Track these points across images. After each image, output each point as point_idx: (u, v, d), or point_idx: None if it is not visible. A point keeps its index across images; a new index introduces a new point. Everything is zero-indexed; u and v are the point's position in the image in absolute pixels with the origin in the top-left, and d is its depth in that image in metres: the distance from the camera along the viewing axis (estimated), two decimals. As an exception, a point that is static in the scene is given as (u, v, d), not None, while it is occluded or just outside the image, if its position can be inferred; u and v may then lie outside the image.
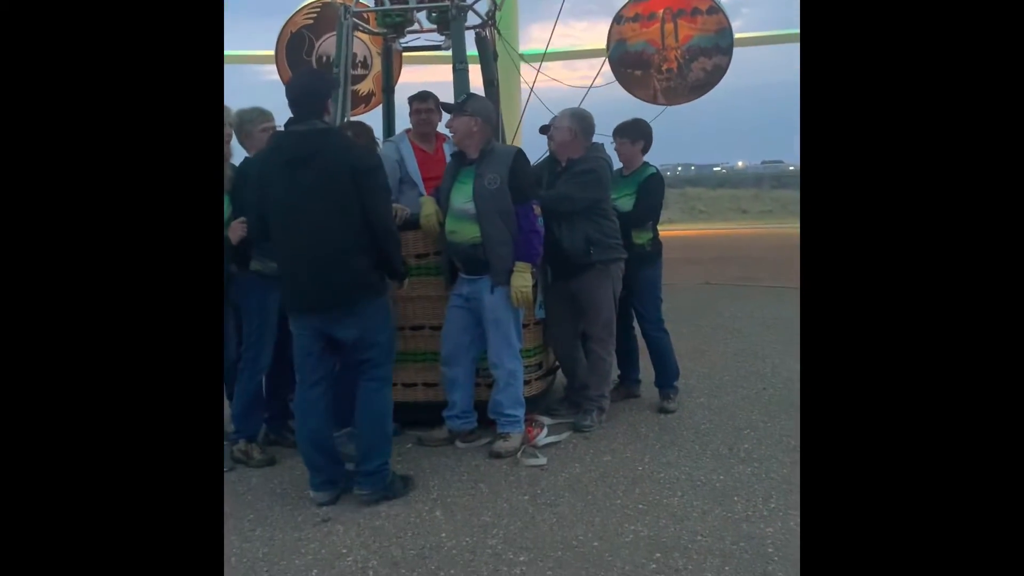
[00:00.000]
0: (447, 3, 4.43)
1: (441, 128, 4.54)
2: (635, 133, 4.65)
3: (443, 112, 4.23)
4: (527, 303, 3.89)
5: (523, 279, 3.84)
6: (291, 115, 3.34)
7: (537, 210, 3.89)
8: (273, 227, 3.38)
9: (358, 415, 3.47)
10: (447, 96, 4.42)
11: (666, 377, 4.70)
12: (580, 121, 4.32)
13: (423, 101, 4.49)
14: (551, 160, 4.43)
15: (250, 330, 3.91)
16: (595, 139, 4.43)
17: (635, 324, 4.79)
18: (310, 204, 3.25)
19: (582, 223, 4.18)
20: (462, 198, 3.79)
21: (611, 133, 4.65)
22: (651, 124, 4.79)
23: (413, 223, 4.07)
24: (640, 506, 3.34)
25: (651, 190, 4.59)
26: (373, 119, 5.91)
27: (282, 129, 3.46)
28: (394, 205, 4.18)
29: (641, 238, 4.56)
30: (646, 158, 4.73)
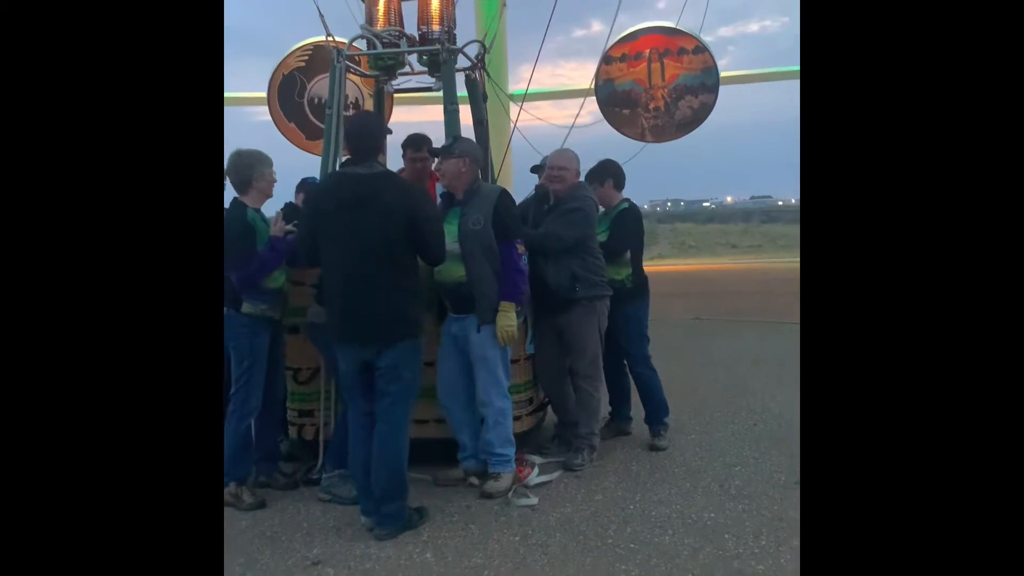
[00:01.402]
0: (438, 47, 4.51)
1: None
2: (600, 175, 4.76)
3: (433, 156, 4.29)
4: (512, 341, 3.91)
5: (507, 318, 3.86)
6: (349, 156, 3.65)
7: (521, 248, 3.93)
8: (326, 260, 3.56)
9: (375, 457, 3.49)
10: (438, 134, 4.49)
11: (655, 414, 4.71)
12: (577, 161, 4.45)
13: (417, 150, 4.55)
14: (538, 198, 4.49)
15: (240, 372, 3.90)
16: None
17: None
18: (367, 242, 3.40)
19: (568, 259, 4.22)
20: (448, 238, 3.83)
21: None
22: (634, 160, 4.90)
23: None
24: (632, 545, 3.32)
25: (622, 222, 4.66)
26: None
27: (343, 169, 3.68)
28: None
29: (619, 274, 4.59)
30: (627, 194, 4.82)
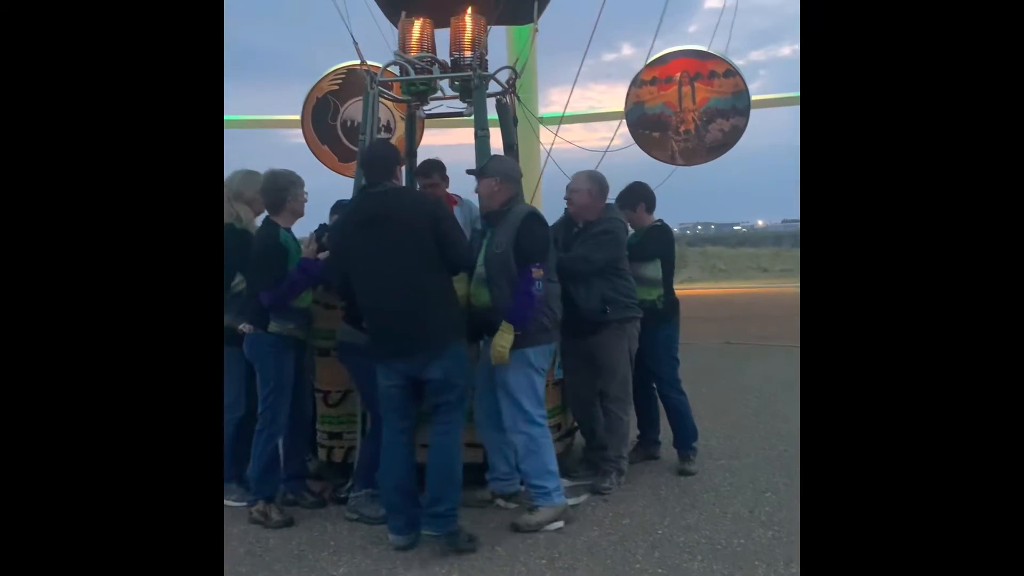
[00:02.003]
0: (470, 73, 4.56)
1: (455, 189, 4.79)
2: (632, 199, 4.77)
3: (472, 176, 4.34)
4: (501, 361, 3.73)
5: (503, 338, 3.69)
6: (365, 181, 3.77)
7: (536, 273, 3.72)
8: (358, 282, 3.64)
9: (429, 460, 3.57)
10: (467, 157, 4.53)
11: (684, 439, 4.67)
12: (596, 183, 4.41)
13: (427, 176, 4.69)
14: (567, 221, 4.49)
15: (266, 392, 3.93)
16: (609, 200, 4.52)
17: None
18: (395, 256, 3.50)
19: (598, 282, 4.22)
20: (479, 261, 3.82)
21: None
22: (665, 183, 4.90)
23: None
24: (660, 571, 3.29)
25: (652, 235, 4.70)
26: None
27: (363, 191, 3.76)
28: None
29: (650, 294, 4.57)
30: (656, 216, 4.83)
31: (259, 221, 4.17)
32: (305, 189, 4.11)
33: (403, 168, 4.71)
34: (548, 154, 6.04)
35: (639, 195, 4.79)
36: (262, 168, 4.17)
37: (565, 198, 4.49)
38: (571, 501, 4.05)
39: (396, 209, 3.57)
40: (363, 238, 3.57)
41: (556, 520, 3.79)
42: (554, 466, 3.86)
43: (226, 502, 4.22)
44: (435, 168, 4.72)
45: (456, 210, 4.70)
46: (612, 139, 6.81)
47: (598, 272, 4.23)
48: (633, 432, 4.75)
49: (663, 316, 4.62)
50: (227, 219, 3.99)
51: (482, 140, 4.47)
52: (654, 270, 4.63)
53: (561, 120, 6.41)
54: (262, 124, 15.64)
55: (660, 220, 4.82)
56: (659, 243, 4.71)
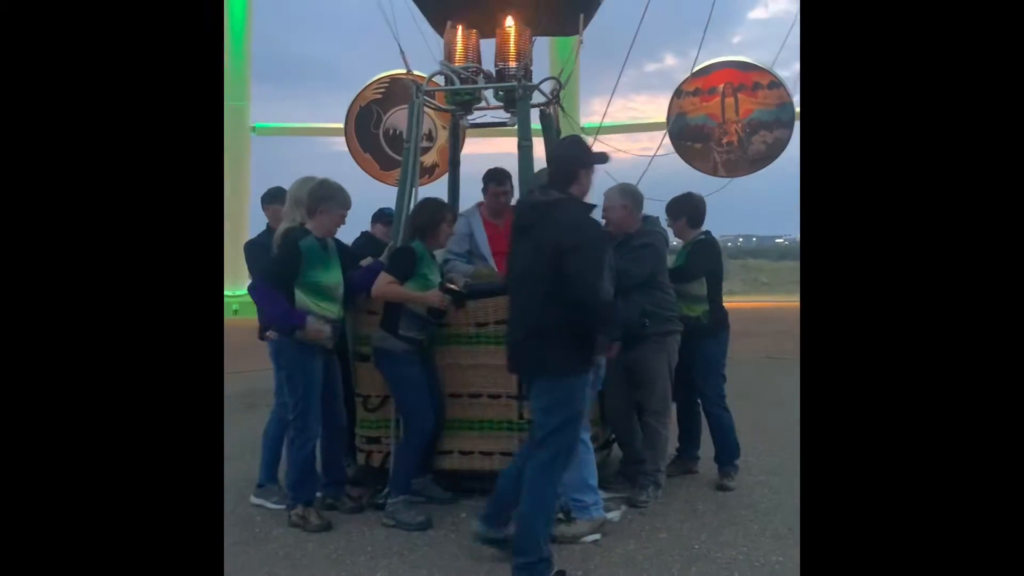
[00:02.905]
0: (514, 84, 4.58)
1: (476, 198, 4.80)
2: (676, 211, 4.70)
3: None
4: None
5: None
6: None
7: None
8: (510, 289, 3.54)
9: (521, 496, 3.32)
10: (509, 165, 4.56)
11: (727, 455, 4.62)
12: (631, 196, 4.38)
13: (500, 184, 4.71)
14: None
15: (296, 399, 3.95)
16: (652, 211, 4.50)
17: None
18: (526, 271, 3.31)
19: (637, 295, 4.20)
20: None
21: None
22: (709, 195, 4.83)
23: (473, 293, 4.15)
24: (696, 586, 3.26)
25: (697, 251, 4.62)
26: (438, 190, 6.08)
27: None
28: (452, 275, 4.30)
29: (693, 310, 4.53)
30: (706, 227, 4.75)
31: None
32: (346, 212, 4.09)
33: (415, 172, 4.68)
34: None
35: (684, 209, 4.71)
36: (305, 175, 4.20)
37: (601, 216, 4.46)
38: (609, 515, 4.02)
39: (537, 222, 3.29)
40: (513, 243, 3.48)
41: (593, 533, 3.77)
42: (594, 480, 3.85)
43: (266, 504, 4.29)
44: (508, 177, 4.73)
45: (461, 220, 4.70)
46: (658, 147, 6.75)
47: (638, 286, 4.21)
48: (672, 445, 4.72)
49: (709, 331, 4.56)
50: (288, 223, 4.02)
51: (525, 150, 4.49)
52: (699, 287, 4.58)
53: (599, 131, 6.38)
54: (308, 132, 15.91)
55: (705, 233, 4.73)
56: (704, 259, 4.63)
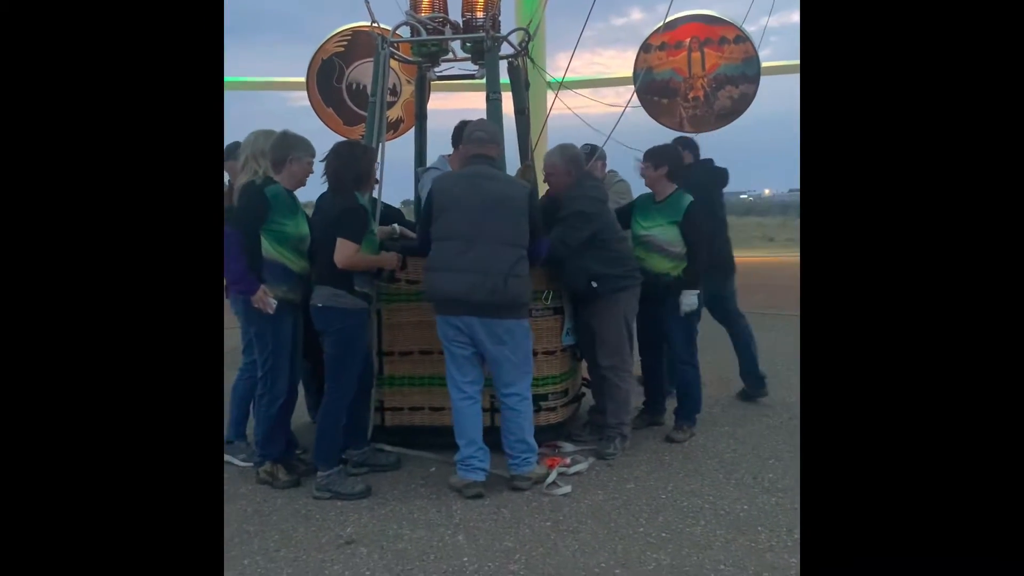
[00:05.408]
0: (482, 35, 4.50)
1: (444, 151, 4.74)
2: (658, 158, 4.50)
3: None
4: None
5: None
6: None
7: None
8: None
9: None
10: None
11: (686, 410, 4.66)
12: (563, 156, 4.31)
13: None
14: (553, 199, 4.39)
15: (264, 357, 3.89)
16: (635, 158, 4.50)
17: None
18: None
19: (581, 260, 4.16)
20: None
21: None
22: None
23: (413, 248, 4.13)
24: (663, 534, 3.33)
25: (695, 223, 4.42)
26: (404, 145, 5.98)
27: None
28: (395, 227, 4.30)
29: (663, 265, 4.43)
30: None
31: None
32: (313, 160, 3.98)
33: (382, 126, 4.65)
34: (577, 116, 5.93)
35: (666, 157, 4.52)
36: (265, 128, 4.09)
37: (544, 180, 4.43)
38: (575, 468, 4.07)
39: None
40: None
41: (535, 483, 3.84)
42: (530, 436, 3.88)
43: (234, 461, 4.27)
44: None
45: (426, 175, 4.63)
46: (628, 102, 6.60)
47: (577, 252, 4.16)
48: (639, 399, 4.77)
49: (677, 287, 4.45)
50: (248, 176, 3.91)
51: (494, 103, 4.43)
52: (670, 239, 4.42)
53: (561, 85, 6.28)
54: (266, 87, 15.53)
55: (690, 196, 4.47)
56: (675, 211, 4.42)
